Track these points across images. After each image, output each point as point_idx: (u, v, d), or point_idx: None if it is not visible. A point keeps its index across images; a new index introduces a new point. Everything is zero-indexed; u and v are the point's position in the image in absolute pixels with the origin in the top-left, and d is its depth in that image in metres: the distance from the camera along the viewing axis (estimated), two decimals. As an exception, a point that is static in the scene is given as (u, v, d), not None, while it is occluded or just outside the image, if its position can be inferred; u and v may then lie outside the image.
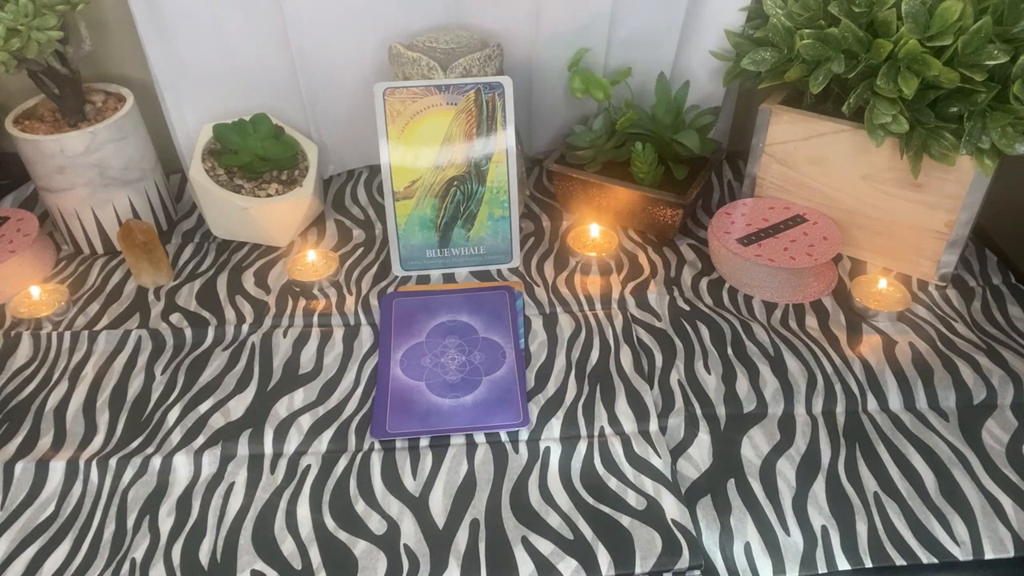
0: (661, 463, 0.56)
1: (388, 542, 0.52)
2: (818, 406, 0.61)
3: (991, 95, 0.62)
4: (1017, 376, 0.63)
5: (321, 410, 0.61)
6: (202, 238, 0.82)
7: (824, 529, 0.52)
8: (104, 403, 0.62)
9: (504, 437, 0.59)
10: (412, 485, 0.55)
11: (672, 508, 0.53)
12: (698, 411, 0.61)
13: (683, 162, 0.81)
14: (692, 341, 0.67)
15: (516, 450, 0.58)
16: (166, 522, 0.53)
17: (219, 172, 0.77)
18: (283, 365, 0.65)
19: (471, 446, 0.58)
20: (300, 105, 0.85)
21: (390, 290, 0.74)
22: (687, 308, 0.71)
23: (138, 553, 0.51)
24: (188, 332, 0.69)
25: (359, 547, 0.52)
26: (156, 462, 0.57)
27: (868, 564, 0.50)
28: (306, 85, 0.83)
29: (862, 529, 0.52)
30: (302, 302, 0.72)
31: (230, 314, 0.71)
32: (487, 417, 0.60)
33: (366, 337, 0.68)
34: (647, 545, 0.51)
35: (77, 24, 0.72)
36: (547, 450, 0.58)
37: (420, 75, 0.74)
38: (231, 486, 0.56)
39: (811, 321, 0.70)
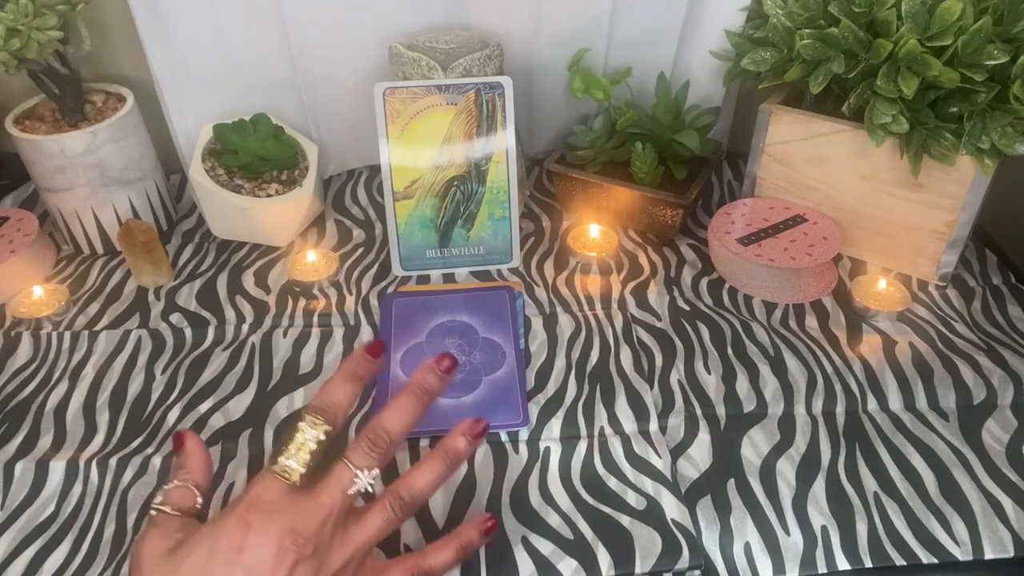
0: (661, 463, 0.56)
1: (388, 542, 0.52)
2: (818, 406, 0.61)
3: (991, 95, 0.62)
4: (1017, 376, 0.63)
5: (321, 410, 0.61)
6: (202, 238, 0.82)
7: (824, 529, 0.52)
8: (104, 403, 0.62)
9: (504, 437, 0.59)
10: (412, 485, 0.55)
11: (672, 508, 0.53)
12: (698, 411, 0.61)
13: (683, 162, 0.81)
14: (692, 341, 0.67)
15: (516, 450, 0.58)
16: (166, 522, 0.53)
17: (219, 172, 0.77)
18: (283, 365, 0.65)
19: (471, 446, 0.58)
20: (300, 105, 0.85)
21: (390, 290, 0.74)
22: (687, 308, 0.71)
23: (138, 553, 0.51)
24: (188, 332, 0.69)
25: (359, 547, 0.52)
26: (156, 462, 0.57)
27: (868, 564, 0.50)
28: (306, 85, 0.83)
29: (862, 529, 0.52)
30: (302, 302, 0.72)
31: (230, 314, 0.71)
32: (487, 417, 0.59)
33: (366, 337, 0.68)
34: (647, 545, 0.51)
35: (77, 24, 0.72)
36: (547, 450, 0.58)
37: (420, 75, 0.74)
38: (231, 486, 0.56)
39: (811, 321, 0.70)
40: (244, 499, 0.42)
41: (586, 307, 0.71)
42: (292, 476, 0.42)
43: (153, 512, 0.44)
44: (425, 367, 0.47)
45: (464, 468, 0.57)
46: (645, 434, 0.59)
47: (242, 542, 0.40)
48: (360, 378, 0.47)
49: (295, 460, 0.43)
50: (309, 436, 0.43)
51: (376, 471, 0.44)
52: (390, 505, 0.44)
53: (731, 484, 0.55)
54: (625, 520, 0.53)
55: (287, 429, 0.42)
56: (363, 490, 0.43)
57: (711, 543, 0.52)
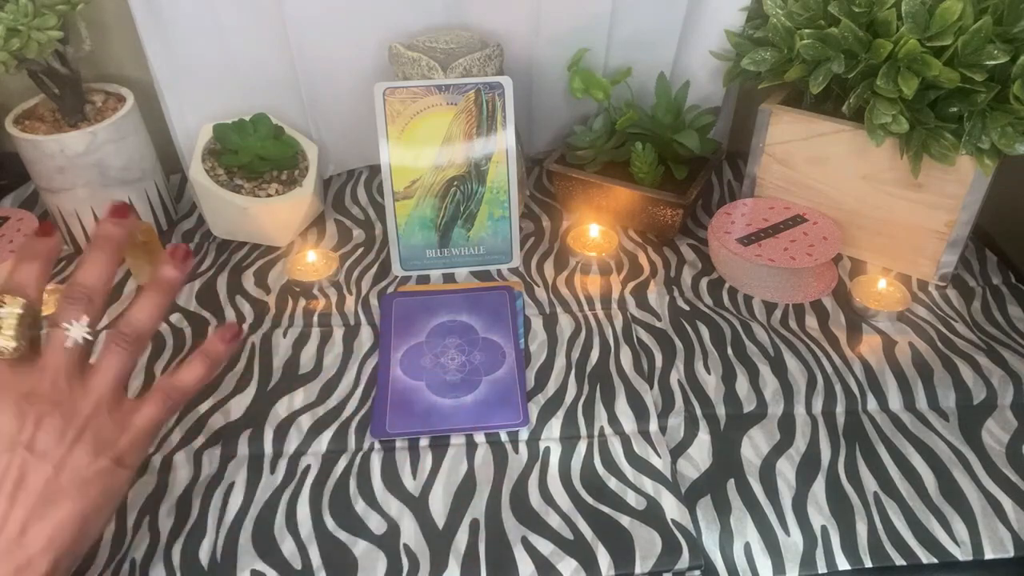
0: (661, 463, 0.56)
1: (388, 542, 0.52)
2: (818, 406, 0.61)
3: (991, 95, 0.62)
4: (1017, 376, 0.63)
5: (321, 410, 0.61)
6: (202, 238, 0.82)
7: (824, 529, 0.52)
8: (104, 403, 0.62)
9: (504, 437, 0.59)
10: (412, 485, 0.55)
11: (672, 508, 0.53)
12: (698, 411, 0.61)
13: (683, 162, 0.81)
14: (692, 341, 0.67)
15: (516, 450, 0.58)
16: (166, 522, 0.53)
17: (219, 172, 0.77)
18: (283, 365, 0.65)
19: (471, 446, 0.58)
20: (300, 105, 0.85)
21: (390, 290, 0.74)
22: (687, 308, 0.71)
23: (138, 553, 0.51)
24: (188, 332, 0.69)
25: (359, 547, 0.52)
26: (156, 462, 0.57)
27: (868, 564, 0.50)
28: (306, 85, 0.83)
29: (862, 529, 0.52)
30: (302, 302, 0.72)
31: (230, 314, 0.71)
32: (487, 417, 0.60)
33: (366, 337, 0.68)
34: (647, 545, 0.51)
35: (77, 24, 0.72)
36: (547, 450, 0.58)
37: (420, 75, 0.74)
38: (231, 486, 0.56)
39: (811, 321, 0.70)
40: None
41: (586, 307, 0.71)
42: (6, 352, 0.43)
43: None
44: (103, 221, 0.48)
45: (464, 468, 0.56)
46: (645, 434, 0.59)
47: None
48: (39, 256, 0.46)
49: (2, 338, 0.43)
50: (4, 313, 0.43)
51: (85, 319, 0.45)
52: (116, 344, 0.45)
53: (731, 484, 0.55)
54: (625, 520, 0.53)
55: None
56: (80, 340, 0.44)
57: (711, 543, 0.52)
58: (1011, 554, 0.51)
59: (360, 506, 0.54)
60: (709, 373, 0.64)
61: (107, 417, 0.45)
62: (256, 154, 0.76)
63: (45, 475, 0.42)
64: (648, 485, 0.55)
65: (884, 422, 0.60)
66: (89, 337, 0.45)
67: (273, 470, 0.57)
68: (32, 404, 0.42)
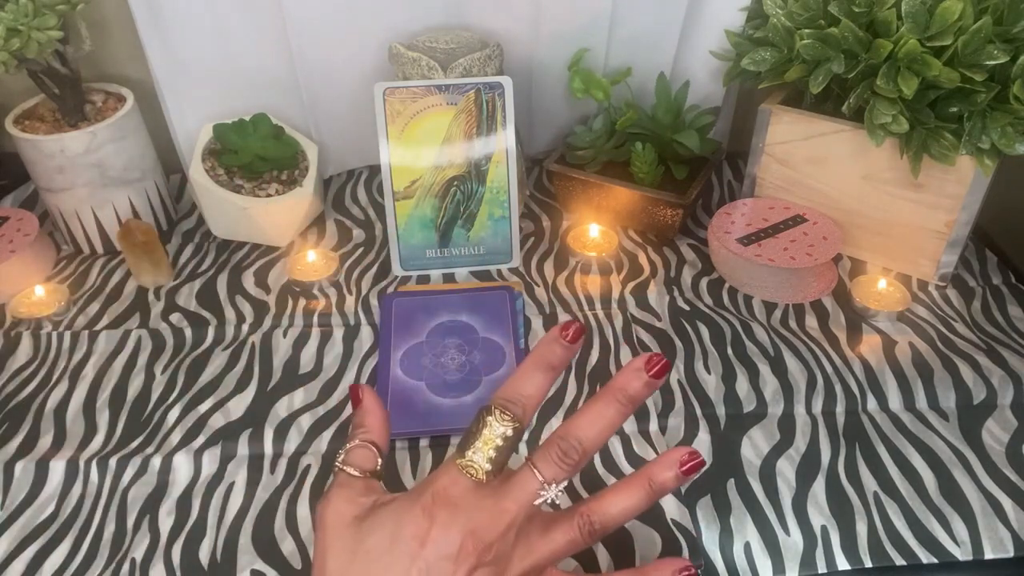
0: (661, 463, 0.56)
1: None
2: (818, 406, 0.61)
3: (991, 95, 0.62)
4: (1017, 376, 0.63)
5: (321, 410, 0.61)
6: (202, 238, 0.82)
7: (824, 529, 0.52)
8: (104, 403, 0.62)
9: (504, 437, 0.59)
10: (412, 484, 0.55)
11: (672, 508, 0.53)
12: (698, 411, 0.61)
13: (683, 162, 0.81)
14: (692, 341, 0.67)
15: (516, 450, 0.58)
16: (166, 522, 0.53)
17: (219, 172, 0.77)
18: (283, 365, 0.66)
19: (471, 446, 0.58)
20: (300, 105, 0.84)
21: (390, 290, 0.74)
22: (687, 308, 0.71)
23: (138, 553, 0.51)
24: (188, 332, 0.69)
25: (359, 547, 0.52)
26: (156, 462, 0.57)
27: (868, 564, 0.50)
28: (306, 85, 0.83)
29: (862, 529, 0.52)
30: (302, 302, 0.72)
31: (230, 314, 0.71)
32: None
33: (366, 337, 0.68)
34: (647, 545, 0.51)
35: (77, 24, 0.72)
36: (547, 450, 0.58)
37: (420, 75, 0.74)
38: (231, 486, 0.56)
39: (811, 321, 0.70)
40: (429, 489, 0.40)
41: (586, 307, 0.71)
42: (478, 473, 0.40)
43: (336, 469, 0.43)
44: (631, 370, 0.41)
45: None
46: (645, 434, 0.59)
47: (425, 535, 0.39)
48: (553, 368, 0.42)
49: (481, 455, 0.40)
50: (497, 432, 0.40)
51: (564, 483, 0.41)
52: (579, 527, 0.41)
53: (731, 484, 0.55)
54: (625, 520, 0.53)
55: (474, 419, 0.40)
56: (549, 502, 0.40)
57: (711, 543, 0.52)
58: (1011, 554, 0.51)
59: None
60: (709, 373, 0.64)
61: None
62: (256, 154, 0.76)
63: None
64: (648, 485, 0.55)
65: (884, 422, 0.60)
66: (557, 501, 0.40)
67: (273, 470, 0.57)
68: (475, 548, 0.38)
